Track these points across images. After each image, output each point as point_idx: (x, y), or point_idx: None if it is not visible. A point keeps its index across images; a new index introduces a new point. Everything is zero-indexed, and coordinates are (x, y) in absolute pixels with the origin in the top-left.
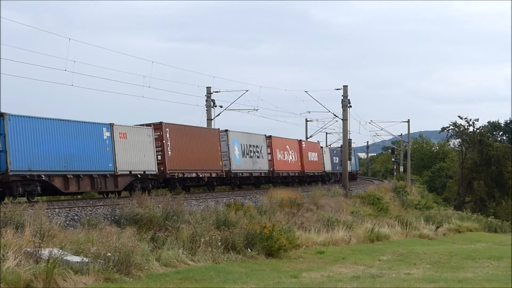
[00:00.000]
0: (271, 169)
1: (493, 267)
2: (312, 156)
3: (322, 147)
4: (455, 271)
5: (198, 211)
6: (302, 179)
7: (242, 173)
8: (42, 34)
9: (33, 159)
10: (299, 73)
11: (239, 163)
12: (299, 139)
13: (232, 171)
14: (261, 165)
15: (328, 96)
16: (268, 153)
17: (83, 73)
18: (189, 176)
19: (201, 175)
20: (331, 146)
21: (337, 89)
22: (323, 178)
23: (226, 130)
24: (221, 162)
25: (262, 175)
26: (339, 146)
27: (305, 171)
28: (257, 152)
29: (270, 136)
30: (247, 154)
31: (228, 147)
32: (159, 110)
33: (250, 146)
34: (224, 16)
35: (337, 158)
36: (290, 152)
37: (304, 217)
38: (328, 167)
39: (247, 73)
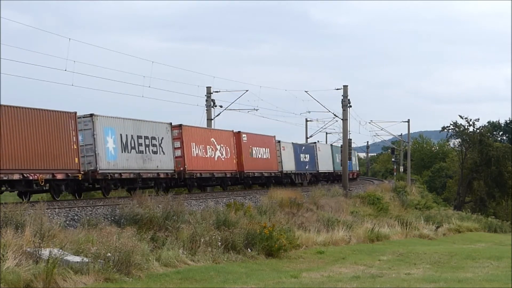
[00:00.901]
0: (181, 168)
1: (493, 267)
2: (261, 152)
3: (279, 141)
4: (455, 271)
5: (198, 211)
6: (239, 180)
7: (120, 173)
8: (42, 34)
9: None
10: (299, 73)
11: (114, 160)
12: (237, 130)
13: (100, 171)
14: (160, 163)
15: (328, 96)
16: (176, 148)
17: (83, 73)
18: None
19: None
20: (310, 142)
21: (337, 89)
22: (278, 180)
23: (91, 115)
24: (77, 159)
25: (162, 176)
26: (312, 142)
27: (245, 171)
28: (154, 146)
29: (180, 126)
30: (133, 148)
31: (95, 138)
32: (159, 110)
33: (140, 137)
34: (224, 16)
35: (307, 156)
36: (218, 147)
37: (304, 217)
38: (289, 167)
39: (247, 73)
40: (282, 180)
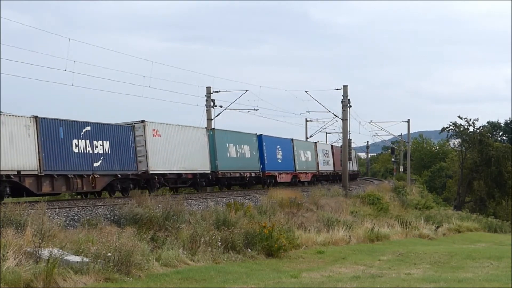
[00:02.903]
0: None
1: (493, 267)
2: None
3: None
4: (455, 271)
5: (198, 211)
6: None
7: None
8: (42, 34)
9: None
10: (299, 73)
11: None
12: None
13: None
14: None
15: (328, 96)
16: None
17: (83, 73)
18: None
19: None
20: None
21: (337, 89)
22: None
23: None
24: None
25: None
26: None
27: None
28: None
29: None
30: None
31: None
32: (159, 110)
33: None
34: (224, 16)
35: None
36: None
37: (304, 217)
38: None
39: (247, 73)
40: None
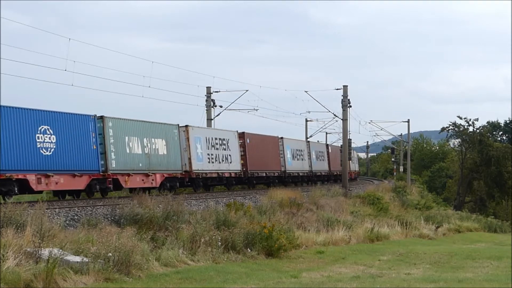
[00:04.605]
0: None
1: (493, 267)
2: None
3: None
4: (455, 271)
5: (198, 211)
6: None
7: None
8: (42, 34)
9: None
10: (299, 73)
11: None
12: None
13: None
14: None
15: (328, 96)
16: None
17: (83, 73)
18: None
19: None
20: None
21: (337, 89)
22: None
23: None
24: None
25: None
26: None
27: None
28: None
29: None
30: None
31: None
32: (159, 110)
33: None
34: (224, 16)
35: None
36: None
37: (304, 217)
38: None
39: (247, 73)
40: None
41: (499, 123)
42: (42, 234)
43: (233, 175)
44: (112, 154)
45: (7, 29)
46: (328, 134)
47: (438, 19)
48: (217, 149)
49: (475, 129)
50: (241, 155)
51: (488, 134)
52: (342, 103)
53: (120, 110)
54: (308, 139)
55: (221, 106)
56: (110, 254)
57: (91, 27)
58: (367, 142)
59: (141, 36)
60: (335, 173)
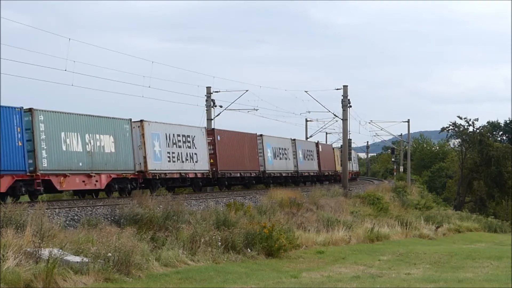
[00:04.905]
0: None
1: (493, 267)
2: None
3: None
4: (455, 271)
5: (198, 211)
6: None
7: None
8: (42, 34)
9: None
10: (299, 73)
11: None
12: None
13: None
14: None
15: (328, 96)
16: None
17: (83, 73)
18: None
19: None
20: None
21: (337, 89)
22: None
23: None
24: None
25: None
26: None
27: None
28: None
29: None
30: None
31: None
32: (159, 110)
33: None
34: (224, 16)
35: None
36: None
37: (304, 217)
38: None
39: (247, 73)
40: None
41: (499, 123)
42: (42, 234)
43: (199, 175)
44: (43, 152)
45: (7, 29)
46: (328, 134)
47: (438, 19)
48: (179, 146)
49: (475, 129)
50: (210, 154)
51: (488, 134)
52: (342, 103)
53: (120, 110)
54: (308, 139)
55: (221, 106)
56: (110, 254)
57: (91, 27)
58: (367, 142)
59: (141, 36)
60: (326, 173)
